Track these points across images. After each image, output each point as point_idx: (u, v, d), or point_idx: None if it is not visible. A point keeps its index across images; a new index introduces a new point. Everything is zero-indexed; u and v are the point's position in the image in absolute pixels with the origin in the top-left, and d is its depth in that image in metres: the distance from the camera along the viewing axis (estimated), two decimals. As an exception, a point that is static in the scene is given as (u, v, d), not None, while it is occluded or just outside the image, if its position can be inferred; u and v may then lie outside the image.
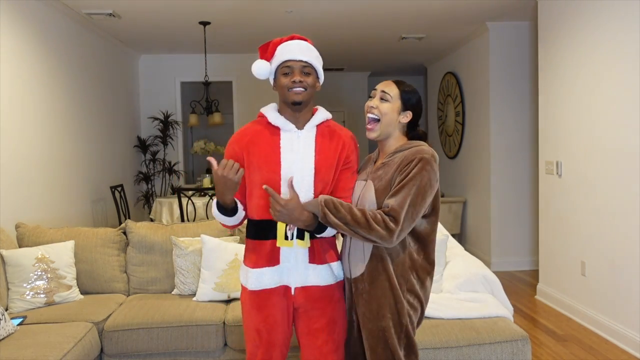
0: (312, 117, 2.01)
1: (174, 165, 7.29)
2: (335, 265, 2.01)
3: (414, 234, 1.88)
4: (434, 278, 3.20)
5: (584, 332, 3.99)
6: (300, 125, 1.98)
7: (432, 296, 3.12)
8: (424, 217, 1.88)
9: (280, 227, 1.90)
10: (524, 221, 5.98)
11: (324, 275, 1.98)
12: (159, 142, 7.18)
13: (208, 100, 6.27)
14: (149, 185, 7.09)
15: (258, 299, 1.97)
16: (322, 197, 1.84)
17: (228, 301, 3.30)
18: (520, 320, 4.25)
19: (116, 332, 3.02)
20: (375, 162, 2.01)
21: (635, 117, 3.49)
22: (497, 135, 5.94)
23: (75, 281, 3.42)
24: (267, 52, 2.02)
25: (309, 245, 1.93)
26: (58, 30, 4.70)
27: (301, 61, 1.93)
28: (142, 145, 7.03)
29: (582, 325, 4.12)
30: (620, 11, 3.61)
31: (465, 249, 3.84)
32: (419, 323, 1.95)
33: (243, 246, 3.41)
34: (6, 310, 3.14)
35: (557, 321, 4.24)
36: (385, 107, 1.92)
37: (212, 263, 3.30)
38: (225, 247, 3.35)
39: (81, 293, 3.46)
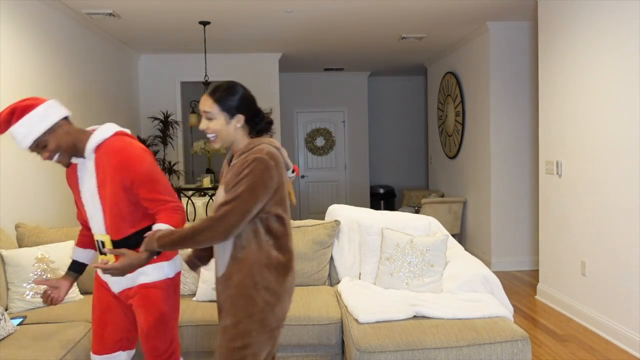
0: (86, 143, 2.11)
1: (174, 165, 7.29)
2: (142, 269, 2.18)
3: (269, 232, 1.94)
4: (433, 278, 3.24)
5: (584, 332, 3.99)
6: (84, 154, 2.13)
7: (432, 296, 3.13)
8: (276, 215, 1.94)
9: (95, 243, 2.21)
10: (524, 221, 5.98)
11: (123, 281, 2.21)
12: (159, 142, 7.18)
13: (208, 100, 6.25)
14: (149, 185, 7.07)
15: (98, 282, 2.30)
16: (155, 229, 1.95)
17: (228, 301, 3.30)
18: (520, 320, 4.25)
19: (116, 332, 3.02)
20: (227, 167, 2.09)
21: (635, 117, 3.49)
22: (497, 135, 5.94)
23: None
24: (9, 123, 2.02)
25: (113, 260, 2.15)
26: (58, 30, 4.70)
27: (37, 140, 2.02)
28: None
29: (582, 325, 4.12)
30: (620, 11, 3.61)
31: (465, 249, 3.85)
32: (278, 321, 1.98)
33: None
34: (6, 310, 3.14)
35: (557, 321, 4.25)
36: (214, 125, 1.93)
37: (212, 263, 3.30)
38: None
39: (81, 293, 3.46)
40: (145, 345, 2.20)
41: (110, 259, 2.17)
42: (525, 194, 5.98)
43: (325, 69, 8.96)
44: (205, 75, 6.01)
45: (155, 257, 2.11)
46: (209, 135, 1.96)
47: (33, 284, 3.21)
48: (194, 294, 3.35)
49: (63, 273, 3.31)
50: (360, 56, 7.75)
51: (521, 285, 5.30)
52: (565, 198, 4.38)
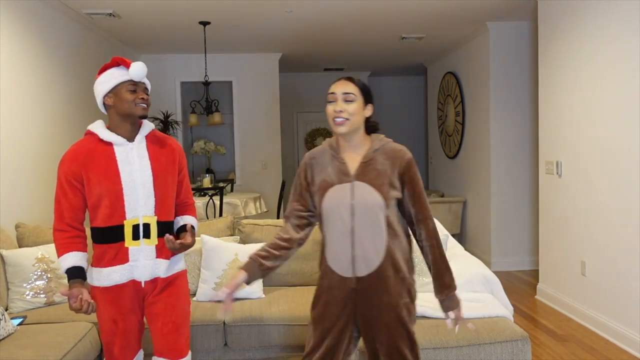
0: (139, 129, 2.24)
1: (174, 165, 7.28)
2: (177, 257, 2.31)
3: (409, 218, 2.03)
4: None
5: (584, 332, 3.99)
6: (130, 139, 2.20)
7: (432, 296, 3.11)
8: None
9: (128, 230, 2.15)
10: (524, 221, 5.98)
11: (169, 267, 2.26)
12: (159, 142, 7.17)
13: (208, 100, 6.27)
14: (149, 185, 7.06)
15: (111, 294, 2.20)
16: (454, 294, 2.08)
17: (228, 301, 3.30)
18: (520, 320, 4.25)
19: (116, 332, 3.02)
20: (340, 161, 2.01)
21: (635, 117, 3.49)
22: (497, 135, 5.94)
23: (75, 281, 3.41)
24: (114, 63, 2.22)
25: (156, 242, 2.20)
26: (58, 30, 4.70)
27: (144, 84, 2.22)
28: (142, 145, 7.01)
29: (582, 325, 4.12)
30: (621, 11, 3.61)
31: (465, 249, 3.84)
32: None
33: (243, 246, 3.42)
34: (6, 310, 3.14)
35: (557, 321, 4.25)
36: (352, 107, 1.93)
37: (212, 263, 3.30)
38: (225, 247, 3.35)
39: (81, 293, 3.46)
40: (181, 330, 2.26)
41: (151, 241, 2.19)
42: (525, 194, 5.98)
43: (325, 69, 8.95)
44: (205, 75, 6.01)
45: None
46: (339, 119, 1.93)
47: (33, 286, 3.20)
48: (194, 294, 3.35)
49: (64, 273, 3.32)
50: (360, 56, 7.75)
51: (521, 285, 5.30)
52: (565, 198, 4.38)
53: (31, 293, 3.20)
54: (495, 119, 5.93)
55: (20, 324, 2.93)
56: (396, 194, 1.95)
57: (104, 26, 5.53)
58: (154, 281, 2.23)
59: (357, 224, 1.94)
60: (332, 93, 1.95)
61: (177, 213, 2.35)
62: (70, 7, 4.78)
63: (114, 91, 2.15)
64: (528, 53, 5.86)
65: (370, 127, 2.05)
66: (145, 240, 2.18)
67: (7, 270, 3.22)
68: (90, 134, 2.20)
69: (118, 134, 2.18)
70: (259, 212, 6.22)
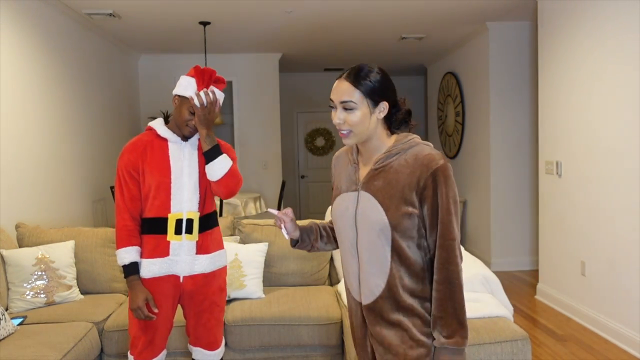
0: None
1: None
2: (219, 253, 2.38)
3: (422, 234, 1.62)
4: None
5: (584, 332, 4.00)
6: (184, 138, 2.32)
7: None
8: None
9: (171, 224, 2.22)
10: (524, 221, 5.98)
11: (209, 264, 2.33)
12: (159, 142, 7.17)
13: (208, 100, 6.24)
14: (149, 185, 7.07)
15: (147, 286, 2.25)
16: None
17: (228, 301, 3.30)
18: (520, 320, 4.25)
19: (116, 332, 3.03)
20: (357, 167, 1.69)
21: (635, 117, 3.49)
22: (497, 135, 5.94)
23: (76, 281, 3.42)
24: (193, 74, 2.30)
25: (197, 239, 2.27)
26: (58, 30, 4.70)
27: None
28: (142, 145, 7.02)
29: (581, 325, 4.13)
30: (620, 11, 3.62)
31: (465, 249, 3.85)
32: None
33: (243, 246, 3.42)
34: (6, 310, 3.14)
35: (557, 321, 4.25)
36: (353, 117, 1.55)
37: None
38: (225, 247, 3.34)
39: (81, 293, 3.46)
40: (219, 324, 2.41)
41: (193, 237, 2.25)
42: (525, 194, 5.98)
43: (325, 69, 8.95)
44: (205, 75, 5.99)
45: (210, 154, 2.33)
46: (343, 131, 1.59)
47: (33, 286, 3.20)
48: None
49: (64, 273, 3.32)
50: (360, 56, 7.75)
51: (521, 285, 5.30)
52: (564, 198, 4.38)
53: (31, 293, 3.20)
54: (495, 119, 5.93)
55: (20, 324, 2.94)
56: (410, 210, 1.54)
57: (104, 26, 5.53)
58: (194, 277, 2.29)
59: (360, 242, 1.62)
60: (331, 99, 1.62)
61: None
62: (70, 7, 4.78)
63: (182, 99, 2.24)
64: (528, 53, 5.86)
65: (398, 122, 1.64)
66: (187, 235, 2.25)
67: (7, 270, 3.22)
68: (150, 129, 2.32)
69: (174, 132, 2.29)
70: (259, 212, 6.22)
